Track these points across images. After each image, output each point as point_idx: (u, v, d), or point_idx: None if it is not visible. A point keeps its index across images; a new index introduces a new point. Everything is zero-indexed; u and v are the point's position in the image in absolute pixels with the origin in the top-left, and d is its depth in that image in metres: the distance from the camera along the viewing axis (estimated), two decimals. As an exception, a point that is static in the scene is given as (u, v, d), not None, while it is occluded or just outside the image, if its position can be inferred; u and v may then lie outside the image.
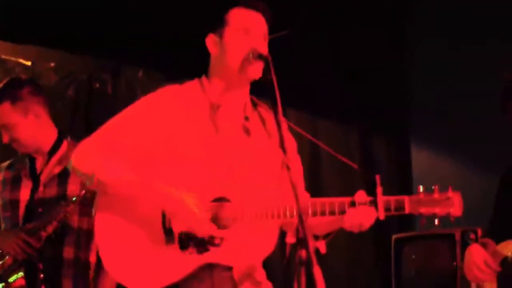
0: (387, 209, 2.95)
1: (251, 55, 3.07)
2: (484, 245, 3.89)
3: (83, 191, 3.92)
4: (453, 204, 2.92)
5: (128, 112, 3.17)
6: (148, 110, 3.15)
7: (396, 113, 6.99)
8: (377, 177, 2.95)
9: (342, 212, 2.97)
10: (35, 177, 4.12)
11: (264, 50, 3.09)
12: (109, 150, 3.04)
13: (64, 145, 4.20)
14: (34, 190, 4.09)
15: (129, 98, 6.01)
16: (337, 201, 2.99)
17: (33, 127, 4.11)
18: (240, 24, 3.14)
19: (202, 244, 2.98)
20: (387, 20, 6.84)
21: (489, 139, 5.78)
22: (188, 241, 2.98)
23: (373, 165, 6.69)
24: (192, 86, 3.24)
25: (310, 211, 2.96)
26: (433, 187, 2.95)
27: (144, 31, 5.57)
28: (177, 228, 2.99)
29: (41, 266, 3.84)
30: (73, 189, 4.03)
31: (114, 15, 5.43)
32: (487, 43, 6.13)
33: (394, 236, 6.15)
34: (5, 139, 4.12)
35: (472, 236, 5.39)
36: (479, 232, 5.28)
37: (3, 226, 4.09)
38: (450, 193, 2.94)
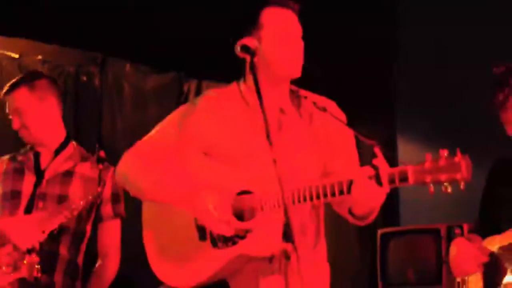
0: (392, 180, 2.83)
1: (238, 49, 3.06)
2: (469, 240, 3.90)
3: (90, 197, 3.96)
4: (459, 169, 2.73)
5: (169, 119, 3.28)
6: (187, 115, 3.23)
7: (381, 106, 6.99)
8: (377, 149, 2.87)
9: (341, 192, 2.89)
10: (38, 172, 4.13)
11: (301, 50, 3.14)
12: (150, 157, 3.17)
13: (71, 146, 4.23)
14: (37, 184, 4.09)
15: (116, 91, 6.05)
16: (335, 181, 2.92)
17: (46, 117, 4.15)
18: (278, 26, 3.13)
19: (229, 238, 3.01)
20: (374, 10, 6.84)
21: (477, 133, 5.79)
22: (217, 235, 3.03)
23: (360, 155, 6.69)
24: (231, 90, 3.28)
25: (307, 194, 2.92)
26: (441, 152, 2.79)
27: (131, 24, 5.56)
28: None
29: (38, 259, 3.84)
30: (74, 191, 4.06)
31: (101, 7, 5.41)
32: (476, 34, 6.16)
33: (380, 231, 6.17)
34: (16, 125, 4.15)
35: (458, 231, 5.40)
36: (465, 227, 5.30)
37: None
38: (457, 158, 2.75)
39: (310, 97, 3.24)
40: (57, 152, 4.18)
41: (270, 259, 3.02)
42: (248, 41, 3.10)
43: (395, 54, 6.98)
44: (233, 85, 3.28)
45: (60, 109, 4.26)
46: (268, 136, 2.82)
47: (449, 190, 2.78)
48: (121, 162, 3.26)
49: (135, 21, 5.58)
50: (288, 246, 2.87)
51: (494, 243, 3.82)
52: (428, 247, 5.85)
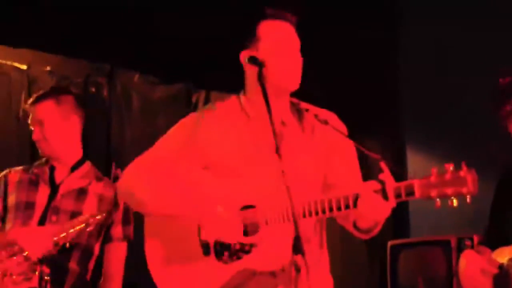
0: (398, 195, 2.83)
1: (246, 60, 3.07)
2: (479, 252, 3.89)
3: (104, 215, 3.97)
4: (465, 183, 2.73)
5: (170, 134, 3.28)
6: (187, 129, 3.23)
7: (390, 116, 6.97)
8: (383, 164, 2.86)
9: (347, 206, 2.89)
10: (53, 185, 4.15)
11: (299, 63, 3.15)
12: (150, 171, 3.17)
13: (87, 164, 4.26)
14: (51, 197, 4.10)
15: (125, 101, 6.05)
16: (341, 196, 2.91)
17: (67, 132, 4.19)
18: (275, 39, 3.13)
19: (234, 252, 3.01)
20: (378, 18, 6.83)
21: (486, 145, 5.77)
22: (222, 250, 3.03)
23: (367, 169, 6.66)
24: (231, 102, 3.28)
25: (314, 209, 2.92)
26: (446, 167, 2.79)
27: (140, 34, 5.56)
28: (209, 238, 3.06)
29: (48, 271, 3.84)
30: (88, 208, 4.07)
31: (110, 18, 5.42)
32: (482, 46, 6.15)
33: (390, 243, 6.14)
34: (36, 135, 4.17)
35: (468, 243, 5.38)
36: (475, 239, 5.27)
37: (8, 225, 4.07)
38: (463, 172, 2.76)
39: (312, 110, 3.23)
40: (73, 168, 4.21)
41: (274, 273, 3.01)
42: (247, 54, 3.13)
43: (398, 64, 6.97)
44: (233, 98, 3.28)
45: (81, 128, 4.31)
46: (277, 149, 2.82)
47: (455, 204, 2.78)
48: (123, 176, 3.27)
49: (143, 32, 5.57)
50: (298, 259, 2.86)
51: (503, 255, 3.81)
52: (438, 259, 5.81)
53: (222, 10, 5.58)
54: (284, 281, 3.00)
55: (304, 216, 2.94)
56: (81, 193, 4.13)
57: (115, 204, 4.07)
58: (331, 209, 2.91)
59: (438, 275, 5.81)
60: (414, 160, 6.86)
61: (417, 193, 2.80)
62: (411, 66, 6.84)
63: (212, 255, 3.05)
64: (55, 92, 4.25)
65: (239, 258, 3.00)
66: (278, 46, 3.11)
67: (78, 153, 4.27)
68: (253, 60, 3.06)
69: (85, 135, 5.70)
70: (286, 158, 2.91)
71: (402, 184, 2.84)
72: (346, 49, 6.50)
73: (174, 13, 5.65)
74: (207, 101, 6.21)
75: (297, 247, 2.78)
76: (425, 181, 2.80)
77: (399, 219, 6.65)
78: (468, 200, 2.75)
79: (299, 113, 3.25)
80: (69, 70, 5.77)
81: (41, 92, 4.27)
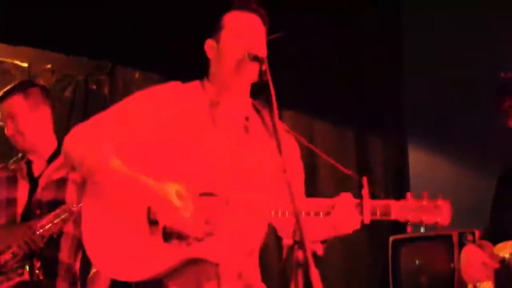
0: (373, 213, 2.87)
1: (247, 57, 3.06)
2: (481, 247, 3.89)
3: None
4: (441, 214, 2.83)
5: (125, 103, 3.17)
6: (145, 101, 3.15)
7: (392, 115, 6.97)
8: (364, 180, 2.88)
9: (327, 213, 2.91)
10: (32, 179, 4.16)
11: (260, 51, 3.08)
12: (101, 137, 3.04)
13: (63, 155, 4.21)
14: (32, 191, 4.12)
15: (126, 99, 6.06)
16: (323, 202, 2.93)
17: (39, 124, 4.20)
18: (235, 27, 3.15)
19: (185, 238, 2.95)
20: (381, 21, 6.83)
21: (487, 140, 5.77)
22: (171, 233, 2.96)
23: (369, 167, 6.66)
24: (193, 85, 3.25)
25: (289, 211, 2.91)
26: (422, 193, 2.86)
27: (140, 32, 5.56)
28: (162, 222, 2.97)
29: (38, 264, 3.86)
30: (70, 196, 4.08)
31: (110, 16, 5.42)
32: (485, 43, 6.14)
33: (391, 238, 6.14)
34: (9, 131, 4.19)
35: (470, 237, 5.38)
36: (477, 233, 5.27)
37: None
38: (439, 201, 2.85)
39: (263, 110, 3.22)
40: (50, 160, 4.21)
41: (217, 264, 2.98)
42: (210, 42, 3.17)
43: (401, 62, 6.97)
44: (196, 82, 3.25)
45: (51, 118, 4.30)
46: (279, 147, 2.75)
47: (422, 230, 2.86)
48: (70, 135, 3.12)
49: (144, 29, 5.58)
50: (299, 254, 2.86)
51: (505, 249, 3.81)
52: (439, 253, 5.81)
53: (222, 6, 5.59)
54: (240, 280, 3.03)
55: (281, 215, 2.94)
56: (61, 182, 4.14)
57: None
58: (308, 214, 2.92)
59: (439, 270, 5.81)
60: (416, 158, 6.85)
61: (393, 215, 2.87)
62: (414, 63, 6.83)
63: (159, 235, 2.96)
64: (22, 86, 4.27)
65: (189, 244, 2.94)
66: (237, 36, 3.12)
67: (53, 144, 4.25)
68: (254, 58, 3.05)
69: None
70: (249, 153, 2.92)
71: (380, 203, 2.88)
72: (349, 46, 6.51)
73: (175, 10, 5.65)
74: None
75: (300, 242, 2.78)
76: (402, 203, 2.87)
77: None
78: (438, 228, 2.87)
79: (258, 112, 3.24)
80: (70, 68, 5.79)
81: (7, 88, 4.27)
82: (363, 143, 6.85)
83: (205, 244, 2.95)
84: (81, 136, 3.08)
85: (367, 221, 2.89)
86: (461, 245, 5.35)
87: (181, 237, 2.95)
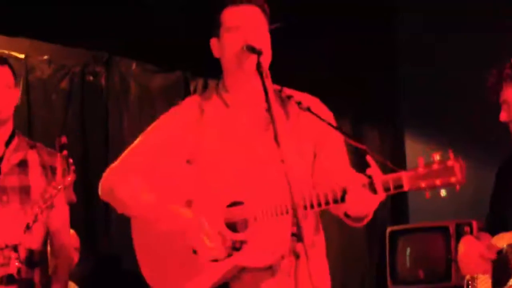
0: (386, 188, 2.82)
1: (245, 49, 3.05)
2: (478, 238, 3.89)
3: (61, 186, 3.76)
4: (454, 173, 2.75)
5: (150, 133, 3.23)
6: (167, 126, 3.20)
7: (389, 103, 6.97)
8: (369, 157, 2.84)
9: (335, 201, 2.88)
10: None
11: (257, 41, 3.07)
12: (131, 173, 3.13)
13: (17, 135, 4.11)
14: None
15: (123, 90, 6.06)
16: (329, 190, 2.90)
17: (12, 101, 4.03)
18: (231, 22, 3.14)
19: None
20: (376, 11, 6.82)
21: (485, 131, 5.77)
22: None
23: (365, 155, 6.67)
24: (209, 91, 3.29)
25: (302, 204, 2.88)
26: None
27: (137, 23, 5.55)
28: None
29: (16, 254, 3.81)
30: (35, 179, 4.00)
31: (107, 7, 5.41)
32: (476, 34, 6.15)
33: (389, 229, 6.15)
34: None
35: (467, 229, 5.39)
36: (474, 224, 5.28)
37: None
38: (450, 162, 2.77)
39: (295, 95, 3.18)
40: (7, 144, 4.05)
41: (268, 268, 3.00)
42: (212, 42, 3.19)
43: (397, 53, 6.98)
44: (211, 88, 3.29)
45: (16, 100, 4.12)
46: (276, 137, 2.77)
47: (443, 194, 2.79)
48: (105, 177, 3.22)
49: (140, 20, 5.57)
50: (298, 246, 2.86)
51: (503, 240, 3.81)
52: (437, 244, 5.83)
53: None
54: (284, 269, 3.00)
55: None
56: (22, 165, 4.03)
57: (68, 170, 3.79)
58: (319, 204, 2.90)
59: (437, 261, 5.83)
60: (412, 148, 6.86)
61: (406, 186, 2.81)
62: (410, 55, 6.83)
63: None
64: None
65: (229, 255, 2.97)
66: (234, 31, 3.11)
67: (10, 126, 4.10)
68: (251, 49, 3.05)
69: (83, 124, 5.76)
70: (270, 146, 2.91)
71: (390, 177, 2.84)
72: (346, 38, 6.51)
73: (172, 1, 5.64)
74: (205, 88, 6.21)
75: (298, 235, 2.77)
76: (413, 172, 2.81)
77: (398, 205, 6.66)
78: (457, 189, 2.76)
79: (282, 100, 3.20)
80: (66, 59, 5.78)
81: None
82: (360, 135, 6.85)
83: (244, 251, 2.97)
84: (111, 178, 3.19)
85: (382, 197, 2.84)
86: (458, 236, 5.36)
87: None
